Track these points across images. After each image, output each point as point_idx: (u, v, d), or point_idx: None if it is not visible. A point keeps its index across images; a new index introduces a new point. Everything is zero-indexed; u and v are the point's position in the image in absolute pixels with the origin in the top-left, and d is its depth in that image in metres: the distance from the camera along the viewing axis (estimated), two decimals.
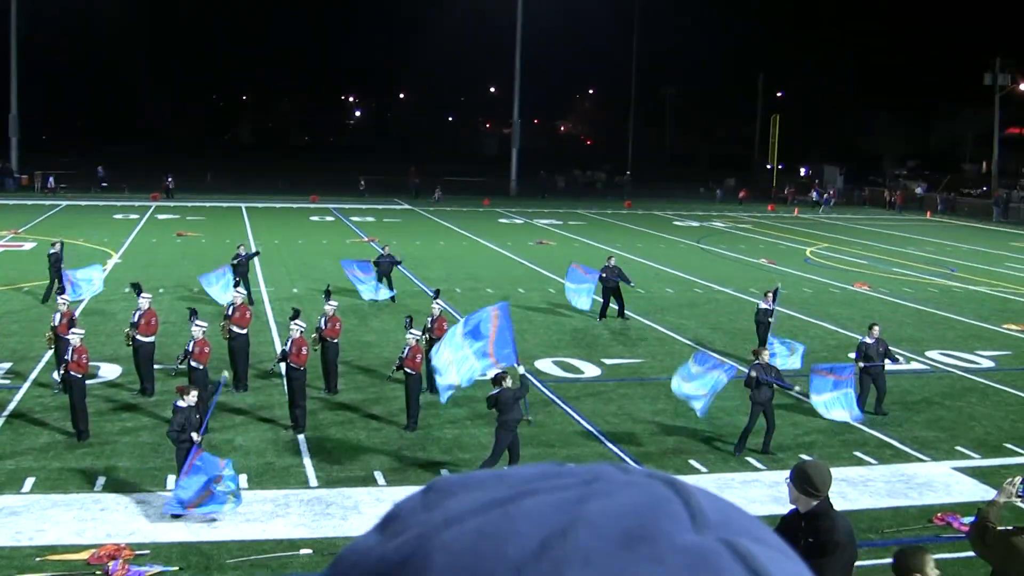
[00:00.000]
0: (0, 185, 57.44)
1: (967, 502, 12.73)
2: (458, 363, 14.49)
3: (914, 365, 20.11)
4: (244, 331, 17.70)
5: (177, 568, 10.68)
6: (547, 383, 18.07)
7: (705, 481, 13.28)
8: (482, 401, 14.53)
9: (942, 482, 13.93)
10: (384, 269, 25.54)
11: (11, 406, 16.01)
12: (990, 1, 78.83)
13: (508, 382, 13.30)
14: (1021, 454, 15.17)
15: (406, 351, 15.54)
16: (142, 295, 17.73)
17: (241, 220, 45.27)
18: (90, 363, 15.57)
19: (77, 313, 19.66)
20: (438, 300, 19.00)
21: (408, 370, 15.43)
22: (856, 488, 13.47)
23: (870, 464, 14.56)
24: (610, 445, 15.15)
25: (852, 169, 76.98)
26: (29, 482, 12.86)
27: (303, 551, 11.11)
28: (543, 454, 14.48)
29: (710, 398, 14.83)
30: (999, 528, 7.13)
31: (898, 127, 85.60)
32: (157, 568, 10.62)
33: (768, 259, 36.70)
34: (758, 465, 14.39)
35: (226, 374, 15.30)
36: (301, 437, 14.93)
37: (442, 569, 0.64)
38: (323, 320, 17.49)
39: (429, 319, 17.93)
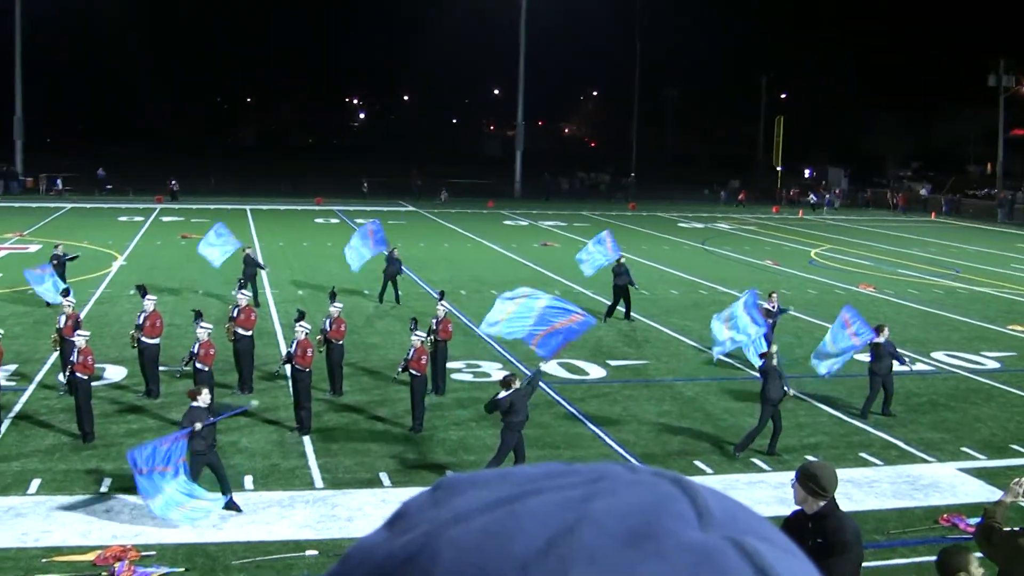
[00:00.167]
0: (5, 188, 57.53)
1: (973, 503, 12.69)
2: (518, 317, 14.61)
3: (919, 366, 20.08)
4: (249, 333, 17.70)
5: (183, 569, 10.69)
6: (552, 384, 18.06)
7: (710, 482, 13.13)
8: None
9: (948, 483, 13.90)
10: (393, 270, 25.74)
11: (17, 408, 16.04)
12: (991, 1, 78.72)
13: (517, 384, 13.29)
14: None
15: (411, 353, 15.53)
16: (147, 297, 17.75)
17: (246, 222, 45.27)
18: (95, 365, 15.60)
19: (82, 315, 19.69)
20: (443, 302, 19.02)
21: (413, 372, 15.42)
22: (861, 489, 13.44)
23: (876, 465, 14.54)
24: (615, 447, 15.14)
25: (854, 170, 76.82)
26: (35, 483, 12.89)
27: (309, 552, 11.12)
28: (548, 456, 14.46)
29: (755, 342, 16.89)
30: (1005, 528, 7.13)
31: (899, 127, 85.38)
32: (163, 569, 10.64)
33: (773, 260, 36.67)
34: (763, 466, 14.37)
35: (254, 403, 15.35)
36: (306, 439, 14.94)
37: (449, 566, 0.65)
38: (328, 322, 17.47)
39: (434, 321, 17.94)
